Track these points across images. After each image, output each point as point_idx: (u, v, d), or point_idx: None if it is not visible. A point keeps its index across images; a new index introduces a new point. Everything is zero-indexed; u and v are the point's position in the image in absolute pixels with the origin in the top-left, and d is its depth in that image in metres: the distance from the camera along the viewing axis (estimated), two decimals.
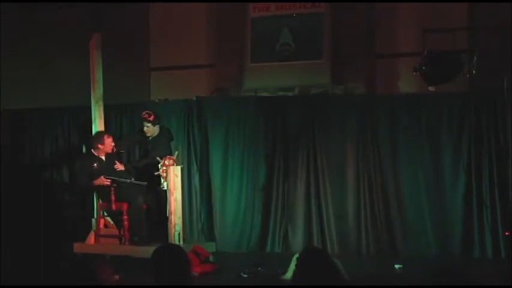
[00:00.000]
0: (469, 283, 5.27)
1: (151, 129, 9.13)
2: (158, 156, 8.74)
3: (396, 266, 8.48)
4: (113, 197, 8.73)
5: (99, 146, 8.93)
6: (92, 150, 8.98)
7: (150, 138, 9.20)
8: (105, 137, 8.99)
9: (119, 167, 9.04)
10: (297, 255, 4.78)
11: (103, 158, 8.97)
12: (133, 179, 8.91)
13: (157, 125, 9.15)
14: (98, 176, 8.81)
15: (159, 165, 8.65)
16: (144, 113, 9.09)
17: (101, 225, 9.00)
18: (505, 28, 9.23)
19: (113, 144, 8.99)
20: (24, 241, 9.52)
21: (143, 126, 9.14)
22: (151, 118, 9.04)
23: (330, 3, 10.23)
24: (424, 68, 9.25)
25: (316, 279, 4.39)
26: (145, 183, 8.71)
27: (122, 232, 8.76)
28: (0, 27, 10.72)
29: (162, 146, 9.03)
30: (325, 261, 4.50)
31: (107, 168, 8.92)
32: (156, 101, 10.31)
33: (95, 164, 8.88)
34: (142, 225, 8.71)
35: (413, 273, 8.12)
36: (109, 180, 8.73)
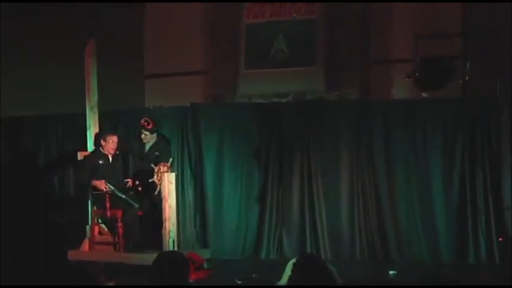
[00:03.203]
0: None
1: (148, 137, 9.13)
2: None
3: (390, 272, 8.45)
4: (107, 204, 8.70)
5: (102, 141, 8.93)
6: (98, 147, 8.98)
7: (150, 146, 9.18)
8: (109, 134, 8.99)
9: (131, 183, 9.02)
10: (293, 260, 4.77)
11: (110, 157, 8.95)
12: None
13: (155, 133, 9.16)
14: (101, 176, 8.79)
15: (154, 172, 8.63)
16: (142, 120, 9.09)
17: (96, 232, 8.98)
18: (498, 34, 9.27)
19: (115, 144, 8.94)
20: (19, 248, 9.50)
21: (140, 133, 9.14)
22: (149, 126, 9.04)
23: (324, 10, 10.24)
24: (417, 74, 9.36)
25: (311, 285, 4.36)
26: (137, 205, 8.69)
27: (116, 239, 8.73)
28: None
29: (167, 154, 9.03)
30: (321, 268, 4.48)
31: (111, 169, 8.93)
32: (151, 107, 10.30)
33: (101, 162, 8.88)
34: (136, 232, 8.70)
35: (408, 279, 8.03)
36: (107, 188, 8.70)
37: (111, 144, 8.92)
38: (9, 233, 9.77)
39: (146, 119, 9.09)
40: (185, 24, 10.89)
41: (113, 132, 9.16)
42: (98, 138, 9.01)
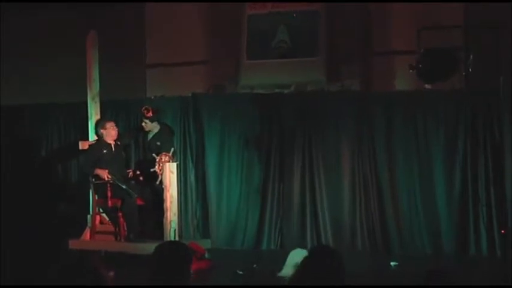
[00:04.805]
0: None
1: (149, 126, 9.14)
2: None
3: (392, 264, 8.47)
4: (109, 194, 8.71)
5: (102, 131, 8.94)
6: (100, 137, 8.98)
7: (152, 135, 9.18)
8: (106, 122, 9.03)
9: (131, 173, 9.07)
10: (303, 253, 4.53)
11: (112, 145, 8.95)
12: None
13: (156, 122, 9.15)
14: (104, 165, 8.78)
15: (156, 162, 8.64)
16: (143, 108, 9.09)
17: (97, 222, 8.99)
18: (501, 26, 9.24)
19: (115, 129, 8.97)
20: (20, 239, 9.54)
21: (141, 121, 9.17)
22: (148, 115, 9.03)
23: (326, 2, 10.22)
24: (420, 65, 9.31)
25: (322, 280, 4.14)
26: (136, 195, 8.69)
27: (117, 229, 8.74)
28: None
29: (169, 144, 9.03)
30: (336, 262, 4.23)
31: (114, 158, 8.93)
32: (152, 97, 10.26)
33: (105, 151, 8.89)
34: (135, 221, 8.70)
35: (409, 270, 8.04)
36: (109, 177, 8.70)
37: (111, 130, 8.95)
38: (10, 223, 9.79)
39: (146, 107, 9.09)
40: (187, 14, 10.86)
41: (109, 119, 9.21)
42: (97, 129, 9.02)
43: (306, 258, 4.29)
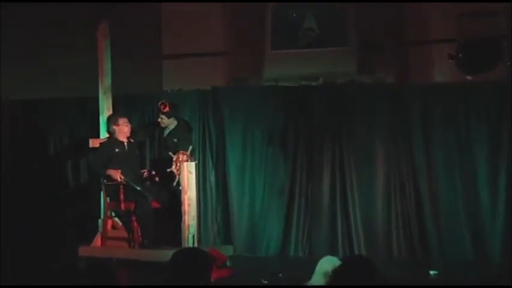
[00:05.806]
0: None
1: (165, 121, 8.97)
2: None
3: (431, 273, 8.19)
4: (121, 196, 8.52)
5: (114, 127, 8.75)
6: (111, 134, 8.80)
7: (168, 132, 9.02)
8: (118, 117, 8.84)
9: (146, 174, 8.88)
10: (334, 261, 4.32)
11: (125, 143, 8.77)
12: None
13: (173, 117, 8.98)
14: (116, 165, 8.58)
15: (173, 161, 8.47)
16: (159, 103, 8.94)
17: (109, 227, 8.83)
18: None
19: (128, 126, 8.80)
20: (27, 241, 9.43)
21: (158, 116, 9.05)
22: (165, 110, 8.86)
23: None
24: (460, 55, 9.10)
25: None
26: (151, 197, 8.49)
27: (131, 234, 8.60)
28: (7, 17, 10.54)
29: (187, 142, 8.84)
30: (371, 273, 4.03)
31: (127, 158, 8.75)
32: (168, 91, 10.05)
33: (117, 149, 8.72)
34: (150, 226, 8.50)
35: (450, 279, 7.86)
36: (122, 178, 8.49)
37: (124, 127, 8.76)
38: (17, 226, 9.68)
39: (163, 101, 8.92)
40: (206, 2, 10.58)
41: (122, 115, 9.04)
42: (109, 125, 8.84)
43: (339, 267, 4.22)
